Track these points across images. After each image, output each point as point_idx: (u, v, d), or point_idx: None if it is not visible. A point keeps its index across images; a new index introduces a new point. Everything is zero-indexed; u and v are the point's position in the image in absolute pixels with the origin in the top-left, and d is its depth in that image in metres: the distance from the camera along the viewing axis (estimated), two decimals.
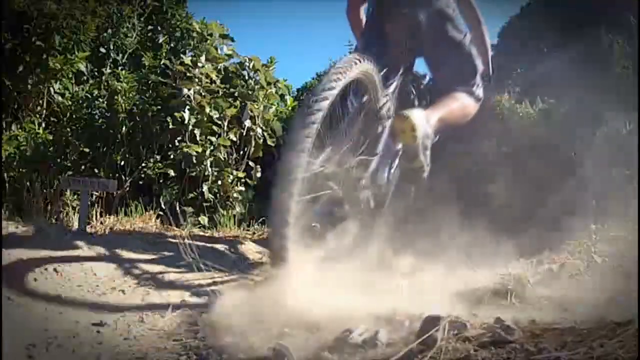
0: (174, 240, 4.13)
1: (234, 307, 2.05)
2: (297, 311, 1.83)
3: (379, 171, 2.39)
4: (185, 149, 4.81)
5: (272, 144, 5.56)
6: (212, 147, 5.04)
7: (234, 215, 5.08)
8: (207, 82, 5.12)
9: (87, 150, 4.91)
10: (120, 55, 5.15)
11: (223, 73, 5.45)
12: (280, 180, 1.82)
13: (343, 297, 1.98)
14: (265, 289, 2.10)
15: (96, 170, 4.82)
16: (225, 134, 5.19)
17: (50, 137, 4.43)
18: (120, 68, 5.08)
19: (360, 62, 1.95)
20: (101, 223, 4.11)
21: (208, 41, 5.30)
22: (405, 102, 2.47)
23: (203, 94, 5.07)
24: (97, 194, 4.39)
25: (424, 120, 2.15)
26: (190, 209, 4.89)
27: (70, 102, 4.75)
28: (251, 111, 5.37)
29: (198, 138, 5.00)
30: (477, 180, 4.69)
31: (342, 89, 1.88)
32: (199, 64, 5.12)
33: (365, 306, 1.93)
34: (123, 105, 4.78)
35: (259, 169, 5.46)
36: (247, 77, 5.55)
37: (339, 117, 2.07)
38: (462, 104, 2.48)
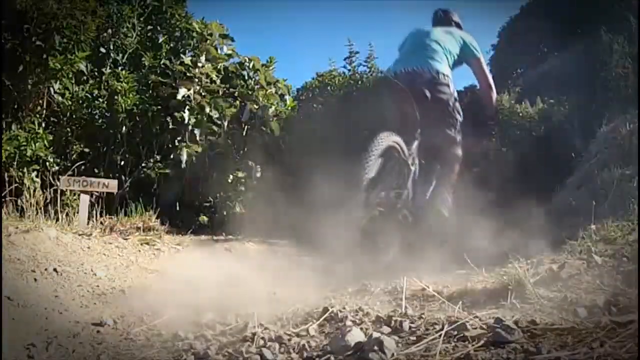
0: (173, 240, 4.15)
1: None
2: None
3: (411, 198, 3.41)
4: (185, 149, 4.82)
5: (272, 144, 5.57)
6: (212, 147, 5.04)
7: (234, 215, 5.08)
8: (207, 82, 5.12)
9: (87, 150, 4.91)
10: (120, 55, 5.14)
11: (223, 73, 5.44)
12: (350, 205, 2.96)
13: None
14: None
15: (96, 170, 4.82)
16: (225, 134, 5.19)
17: (50, 137, 4.42)
18: (120, 68, 5.08)
19: (390, 136, 3.08)
20: (101, 223, 4.11)
21: (208, 41, 5.29)
22: (427, 150, 3.56)
23: (203, 94, 5.07)
24: (97, 193, 4.38)
25: (446, 203, 3.47)
26: (190, 209, 4.89)
27: (70, 102, 4.75)
28: (251, 111, 5.37)
29: (198, 138, 5.00)
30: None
31: (381, 152, 2.99)
32: (199, 64, 5.12)
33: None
34: (123, 105, 4.78)
35: (259, 169, 5.46)
36: (247, 77, 5.55)
37: (384, 168, 3.11)
38: (457, 160, 3.59)
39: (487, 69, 3.72)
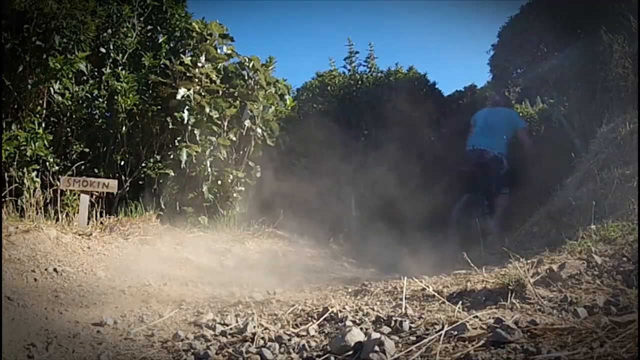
0: (173, 240, 4.14)
1: None
2: None
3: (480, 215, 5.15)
4: (185, 149, 4.81)
5: (272, 144, 5.56)
6: (212, 147, 5.03)
7: (234, 215, 5.08)
8: (207, 82, 5.11)
9: (87, 150, 4.90)
10: (120, 55, 5.13)
11: (223, 73, 5.44)
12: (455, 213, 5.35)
13: None
14: None
15: (96, 170, 4.82)
16: (225, 134, 5.19)
17: (50, 137, 4.42)
18: (120, 68, 5.07)
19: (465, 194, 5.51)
20: (101, 223, 4.11)
21: (208, 41, 5.29)
22: (486, 193, 5.43)
23: (203, 94, 5.07)
24: (97, 193, 4.38)
25: (494, 218, 5.22)
26: (190, 209, 4.89)
27: (70, 102, 4.75)
28: (251, 111, 5.37)
29: (198, 138, 5.00)
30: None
31: (463, 201, 5.43)
32: (199, 64, 5.11)
33: None
34: (123, 105, 4.78)
35: (259, 169, 5.46)
36: (246, 77, 5.54)
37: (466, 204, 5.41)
38: (504, 197, 5.32)
39: (529, 135, 5.58)
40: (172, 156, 4.92)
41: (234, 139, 5.26)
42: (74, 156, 4.82)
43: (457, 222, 5.23)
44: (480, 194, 5.37)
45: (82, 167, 4.74)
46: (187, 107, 4.93)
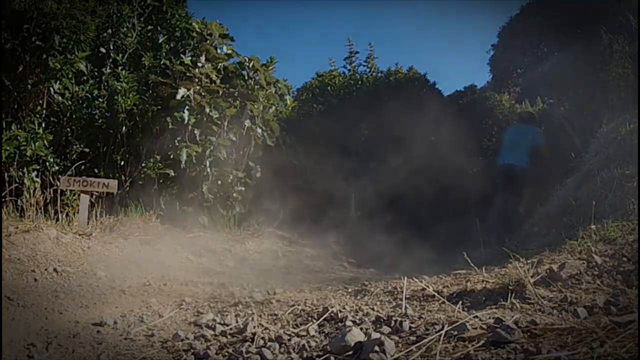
0: (173, 240, 4.14)
1: None
2: None
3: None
4: (185, 149, 4.81)
5: (272, 144, 5.56)
6: (212, 147, 5.03)
7: (234, 215, 5.08)
8: (207, 82, 5.11)
9: (87, 150, 4.90)
10: (120, 55, 5.13)
11: (223, 73, 5.44)
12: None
13: None
14: None
15: (96, 170, 4.81)
16: (225, 134, 5.19)
17: (50, 137, 4.42)
18: (120, 68, 5.07)
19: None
20: (101, 223, 4.10)
21: (208, 41, 5.29)
22: (514, 196, 5.85)
23: (203, 94, 5.07)
24: (97, 193, 4.38)
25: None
26: (190, 209, 4.89)
27: (70, 102, 4.75)
28: (251, 111, 5.37)
29: (198, 138, 5.00)
30: None
31: (495, 206, 5.97)
32: (199, 64, 5.11)
33: None
34: (123, 105, 4.77)
35: (259, 169, 5.46)
36: (246, 77, 5.55)
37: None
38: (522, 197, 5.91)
39: (547, 148, 5.93)
40: (172, 156, 4.91)
41: (234, 139, 5.25)
42: (74, 156, 4.82)
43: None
44: (509, 201, 5.90)
45: (82, 167, 4.74)
46: (187, 107, 4.93)
